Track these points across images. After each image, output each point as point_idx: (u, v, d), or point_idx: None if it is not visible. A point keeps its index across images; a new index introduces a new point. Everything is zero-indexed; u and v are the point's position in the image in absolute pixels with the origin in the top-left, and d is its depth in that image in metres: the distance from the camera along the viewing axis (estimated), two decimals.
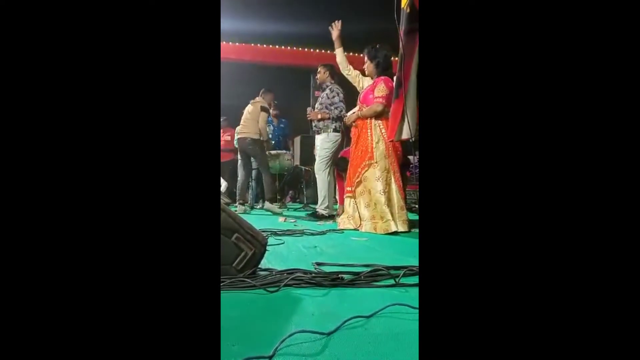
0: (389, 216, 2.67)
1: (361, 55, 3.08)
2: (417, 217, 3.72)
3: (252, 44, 6.95)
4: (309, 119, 3.71)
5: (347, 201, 2.96)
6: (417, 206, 4.45)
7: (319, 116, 3.58)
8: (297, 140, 5.53)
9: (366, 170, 2.79)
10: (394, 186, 2.75)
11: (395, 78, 2.48)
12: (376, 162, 2.76)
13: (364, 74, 3.08)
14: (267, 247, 1.45)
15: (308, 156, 4.79)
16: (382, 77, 2.88)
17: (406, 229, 2.69)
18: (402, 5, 2.01)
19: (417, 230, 2.73)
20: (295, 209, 4.86)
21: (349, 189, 2.94)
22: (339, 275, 1.31)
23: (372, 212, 2.73)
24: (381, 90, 2.81)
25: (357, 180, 2.85)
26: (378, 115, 2.81)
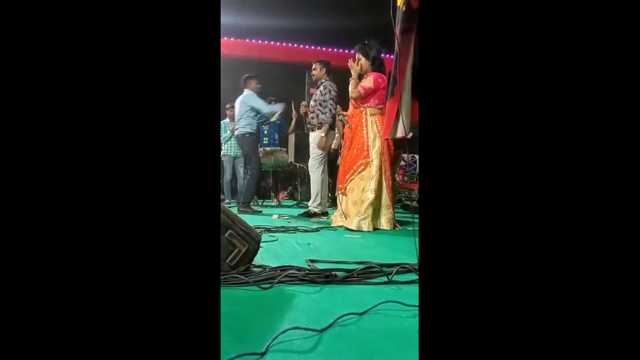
0: (372, 214, 2.69)
1: (352, 52, 3.08)
2: (407, 214, 3.75)
3: (247, 40, 6.91)
4: (301, 113, 3.76)
5: (339, 198, 2.97)
6: (409, 203, 4.47)
7: (303, 110, 3.66)
8: (292, 137, 5.52)
9: (363, 169, 2.80)
10: (384, 184, 2.76)
11: (390, 75, 2.48)
12: (372, 161, 2.77)
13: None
14: (261, 244, 1.45)
15: (302, 153, 4.78)
16: (374, 73, 2.89)
17: (390, 228, 2.72)
18: (399, 4, 2.01)
19: (401, 229, 2.76)
20: (289, 206, 4.86)
21: (340, 185, 2.95)
22: (332, 272, 1.31)
23: (357, 209, 2.74)
24: (367, 82, 2.84)
25: (350, 178, 2.85)
26: (354, 97, 2.86)
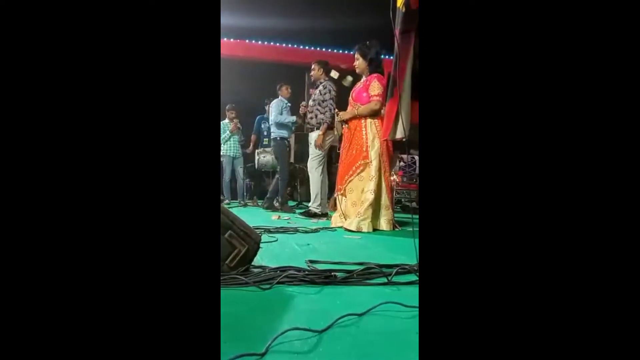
0: (371, 215, 2.69)
1: (352, 53, 3.08)
2: (406, 215, 3.75)
3: (247, 41, 6.91)
4: (300, 113, 3.81)
5: (338, 199, 2.98)
6: (409, 204, 4.48)
7: (302, 110, 3.76)
8: (292, 137, 5.51)
9: (362, 170, 2.79)
10: (383, 185, 2.76)
11: (390, 77, 2.48)
12: (371, 162, 2.76)
13: (354, 72, 3.08)
14: (260, 245, 1.45)
15: (302, 154, 4.80)
16: (375, 75, 2.87)
17: (389, 228, 2.72)
18: (398, 5, 2.01)
19: (400, 229, 2.76)
20: (289, 207, 4.86)
21: (340, 186, 2.96)
22: (332, 273, 1.31)
23: (357, 210, 2.75)
24: (376, 88, 2.81)
25: (349, 179, 2.85)
26: (375, 114, 2.82)
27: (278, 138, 4.25)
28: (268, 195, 4.43)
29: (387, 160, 2.80)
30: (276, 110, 4.30)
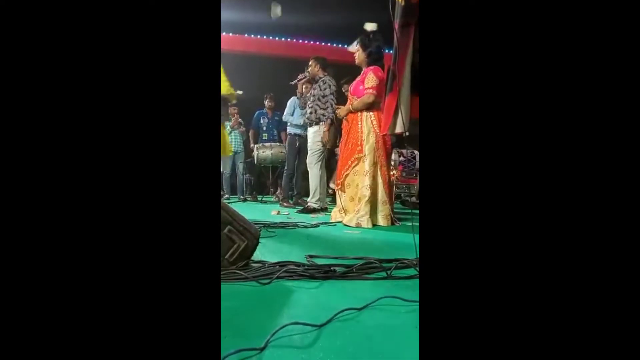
0: (369, 211, 2.69)
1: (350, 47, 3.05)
2: (407, 210, 3.76)
3: (245, 35, 6.88)
4: (291, 83, 3.96)
5: (337, 194, 2.97)
6: (409, 199, 4.48)
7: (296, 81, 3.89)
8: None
9: (356, 164, 2.79)
10: (379, 180, 2.75)
11: (389, 71, 2.46)
12: (365, 156, 2.75)
13: (354, 63, 3.06)
14: (260, 240, 1.45)
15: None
16: (371, 67, 2.84)
17: (387, 224, 2.71)
18: None
19: (400, 225, 2.76)
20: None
21: (338, 181, 2.95)
22: (332, 268, 1.31)
23: (355, 206, 2.74)
24: (371, 80, 2.79)
25: (346, 174, 2.85)
26: (369, 107, 2.80)
27: (292, 134, 4.29)
28: (282, 196, 4.44)
29: (384, 155, 2.79)
30: (288, 110, 4.36)
